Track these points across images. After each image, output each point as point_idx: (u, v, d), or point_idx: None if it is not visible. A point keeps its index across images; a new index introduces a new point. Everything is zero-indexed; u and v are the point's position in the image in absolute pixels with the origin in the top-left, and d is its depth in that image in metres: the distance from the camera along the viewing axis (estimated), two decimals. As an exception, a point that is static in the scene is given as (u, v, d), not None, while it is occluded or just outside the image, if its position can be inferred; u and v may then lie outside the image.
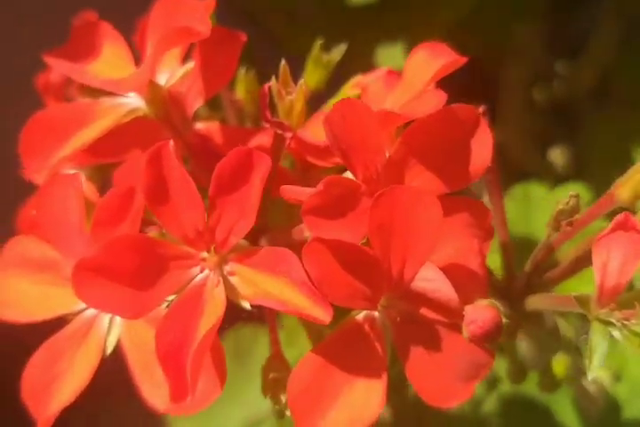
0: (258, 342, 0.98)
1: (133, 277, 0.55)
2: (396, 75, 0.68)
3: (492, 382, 0.88)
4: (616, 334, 0.55)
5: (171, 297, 0.57)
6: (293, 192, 0.57)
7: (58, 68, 0.67)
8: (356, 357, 0.56)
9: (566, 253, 0.65)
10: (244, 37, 0.65)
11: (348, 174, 0.57)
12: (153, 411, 0.58)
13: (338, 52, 0.75)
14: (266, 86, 0.61)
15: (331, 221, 0.55)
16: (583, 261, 0.62)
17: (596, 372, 0.55)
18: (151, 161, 0.55)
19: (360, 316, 0.57)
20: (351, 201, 0.55)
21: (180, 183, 0.55)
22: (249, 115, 0.77)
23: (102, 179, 0.71)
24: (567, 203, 0.61)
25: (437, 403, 0.58)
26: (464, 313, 0.54)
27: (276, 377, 0.60)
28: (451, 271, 0.55)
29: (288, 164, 0.70)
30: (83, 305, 0.60)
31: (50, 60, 0.66)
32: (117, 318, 0.60)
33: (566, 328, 0.68)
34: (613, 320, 0.55)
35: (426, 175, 0.58)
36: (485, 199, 0.68)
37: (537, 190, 0.91)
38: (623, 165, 0.63)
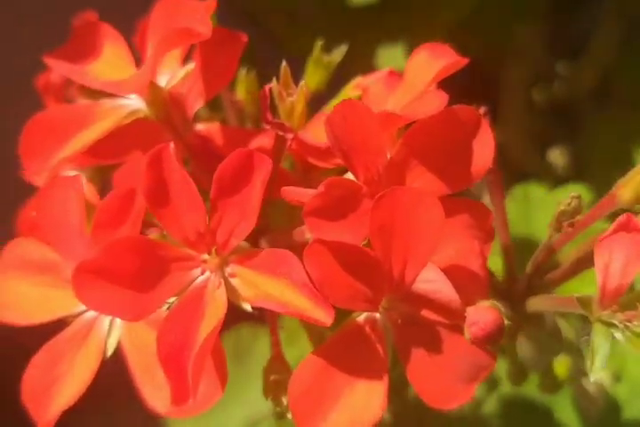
0: (258, 342, 0.98)
1: (134, 280, 0.55)
2: (397, 76, 0.68)
3: (493, 384, 0.88)
4: (618, 335, 0.55)
5: (172, 299, 0.56)
6: (295, 194, 0.56)
7: (58, 69, 0.67)
8: (357, 358, 0.56)
9: (567, 254, 0.65)
10: (244, 38, 0.65)
11: (350, 176, 0.57)
12: (153, 413, 0.58)
13: (339, 52, 0.75)
14: (266, 87, 0.61)
15: (332, 222, 0.54)
16: (584, 262, 0.62)
17: (598, 373, 0.55)
18: (152, 163, 0.55)
19: (361, 317, 0.56)
20: (352, 202, 0.55)
21: (181, 185, 0.55)
22: (250, 116, 0.77)
23: (103, 180, 0.71)
24: (569, 204, 0.61)
25: (438, 404, 0.58)
26: (466, 315, 0.54)
27: (277, 379, 0.60)
28: (452, 273, 0.55)
29: (289, 165, 0.69)
30: (83, 307, 0.60)
31: (50, 62, 0.66)
32: (118, 321, 0.60)
33: (567, 330, 0.68)
34: (615, 322, 0.55)
35: (427, 176, 0.58)
36: (486, 200, 0.68)
37: (537, 191, 0.91)
38: (624, 165, 0.63)
